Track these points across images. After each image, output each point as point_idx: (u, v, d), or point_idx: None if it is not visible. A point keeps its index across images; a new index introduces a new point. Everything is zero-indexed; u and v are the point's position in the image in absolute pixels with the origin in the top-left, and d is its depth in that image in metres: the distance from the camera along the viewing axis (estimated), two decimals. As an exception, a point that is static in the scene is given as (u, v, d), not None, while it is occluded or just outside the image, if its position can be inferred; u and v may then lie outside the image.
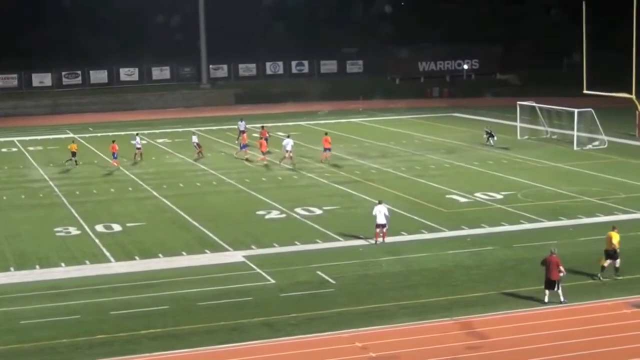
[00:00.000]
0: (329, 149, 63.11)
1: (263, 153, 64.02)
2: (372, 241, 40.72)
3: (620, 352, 27.03)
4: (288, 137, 64.19)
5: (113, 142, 64.44)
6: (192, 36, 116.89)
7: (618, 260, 34.44)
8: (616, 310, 30.88)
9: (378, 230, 40.62)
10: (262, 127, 70.82)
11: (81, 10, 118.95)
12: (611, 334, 28.55)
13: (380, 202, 41.47)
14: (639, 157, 62.82)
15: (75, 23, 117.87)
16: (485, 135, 69.61)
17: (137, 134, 69.15)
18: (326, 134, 64.69)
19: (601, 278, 34.30)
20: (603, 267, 34.47)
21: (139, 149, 66.34)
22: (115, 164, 62.74)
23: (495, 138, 68.54)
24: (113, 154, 62.96)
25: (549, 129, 72.97)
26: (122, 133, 79.29)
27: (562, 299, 31.64)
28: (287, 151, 62.41)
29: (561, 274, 31.71)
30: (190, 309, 32.18)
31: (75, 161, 64.49)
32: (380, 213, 40.44)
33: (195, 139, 68.99)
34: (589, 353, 27.03)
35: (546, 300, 31.73)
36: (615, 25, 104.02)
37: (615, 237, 34.53)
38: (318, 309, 31.73)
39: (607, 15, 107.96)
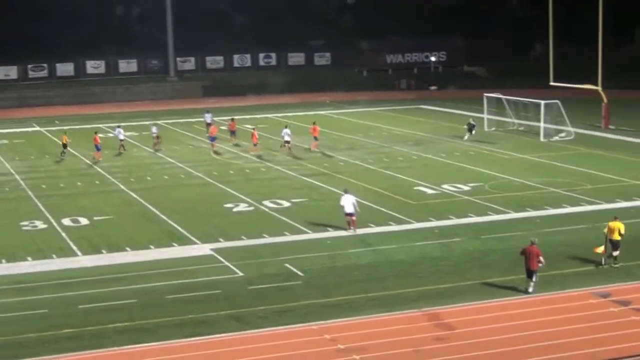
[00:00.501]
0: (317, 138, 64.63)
1: (255, 144, 63.59)
2: (345, 231, 40.95)
3: (586, 342, 27.22)
4: (286, 127, 64.64)
5: (95, 133, 65.08)
6: (159, 29, 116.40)
7: (619, 250, 34.76)
8: (582, 300, 31.08)
9: (347, 219, 40.95)
10: (232, 119, 70.83)
11: (47, 2, 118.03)
12: (577, 324, 28.75)
13: (346, 192, 41.88)
14: (605, 148, 63.26)
15: (40, 15, 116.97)
16: (465, 126, 69.16)
17: (118, 126, 69.30)
18: (314, 123, 65.50)
19: (605, 264, 34.88)
20: (610, 255, 34.95)
21: (122, 140, 66.53)
22: (98, 156, 62.74)
23: (473, 133, 68.35)
24: (96, 145, 63.08)
25: (516, 121, 73.29)
26: (89, 126, 78.86)
27: (530, 289, 31.86)
28: (286, 142, 63.23)
29: (540, 264, 31.99)
30: (158, 302, 32.08)
31: (63, 152, 64.20)
32: (348, 202, 40.90)
33: (155, 129, 68.59)
34: (556, 343, 27.21)
35: (530, 290, 32.02)
36: (581, 17, 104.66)
37: (621, 227, 34.78)
38: (286, 301, 31.73)
39: (573, 7, 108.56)
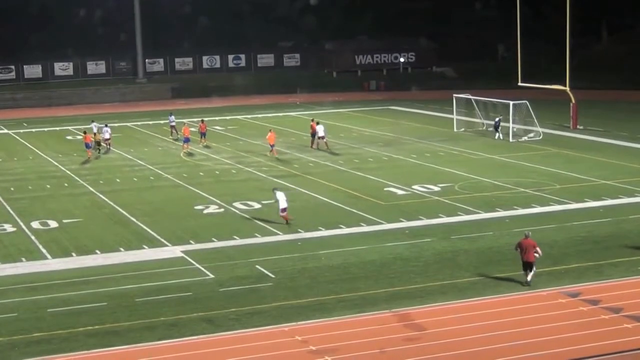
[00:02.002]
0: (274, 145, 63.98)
1: (272, 146, 62.60)
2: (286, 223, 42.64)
3: (556, 342, 27.36)
4: (318, 124, 65.97)
5: (85, 133, 66.49)
6: (127, 30, 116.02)
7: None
8: (551, 300, 31.25)
9: (284, 214, 42.58)
10: (202, 120, 70.71)
11: (13, 4, 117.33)
12: (547, 323, 28.89)
13: (276, 189, 44.15)
14: (573, 148, 63.63)
15: (7, 17, 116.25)
16: (493, 126, 69.22)
17: (106, 125, 69.85)
18: (270, 130, 64.68)
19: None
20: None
21: (107, 139, 67.68)
22: (89, 154, 64.18)
23: (499, 131, 68.25)
24: (86, 144, 64.21)
25: (485, 121, 73.60)
26: (58, 128, 78.42)
27: (529, 279, 32.37)
28: (320, 137, 64.78)
29: (537, 255, 32.38)
30: (129, 305, 31.95)
31: (99, 149, 65.11)
32: (282, 198, 42.68)
33: (94, 130, 68.81)
34: (526, 343, 27.33)
35: (529, 281, 32.48)
36: (548, 18, 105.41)
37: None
38: (258, 303, 31.70)
39: (540, 7, 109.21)
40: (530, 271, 32.56)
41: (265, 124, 79.71)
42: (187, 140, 65.75)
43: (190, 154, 64.48)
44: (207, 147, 66.21)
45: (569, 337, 27.73)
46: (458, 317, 29.83)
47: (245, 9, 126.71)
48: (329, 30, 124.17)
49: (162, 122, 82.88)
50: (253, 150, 65.50)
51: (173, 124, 72.56)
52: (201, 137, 68.54)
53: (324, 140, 65.27)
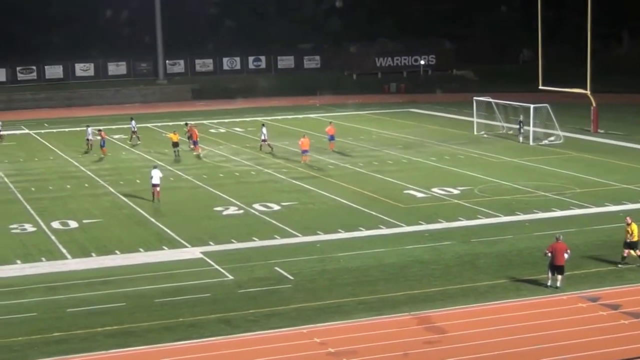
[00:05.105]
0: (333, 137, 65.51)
1: (304, 151, 60.98)
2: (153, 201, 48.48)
3: (575, 346, 27.25)
4: (263, 126, 66.77)
5: (100, 130, 67.60)
6: (148, 31, 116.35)
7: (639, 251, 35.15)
8: (571, 304, 31.11)
9: (153, 189, 48.91)
10: (186, 124, 70.82)
11: (36, 5, 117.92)
12: (566, 327, 28.77)
13: (155, 167, 50.17)
14: (594, 152, 63.36)
15: (29, 18, 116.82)
16: (517, 126, 69.20)
17: (131, 119, 72.59)
18: (304, 135, 62.83)
19: (619, 265, 35.29)
20: (624, 257, 35.24)
21: (134, 132, 70.78)
22: (104, 152, 65.17)
23: (522, 131, 68.23)
24: (101, 142, 65.23)
25: (505, 125, 73.37)
26: (78, 129, 78.60)
27: (559, 284, 32.38)
28: (263, 140, 65.59)
29: (566, 256, 32.42)
30: (148, 305, 31.99)
31: (178, 151, 64.49)
32: (156, 175, 49.00)
33: (89, 134, 68.87)
34: (545, 347, 27.21)
35: (549, 283, 32.56)
36: (570, 21, 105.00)
37: (635, 228, 34.96)
38: (276, 305, 31.68)
39: (562, 11, 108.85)
40: (560, 274, 32.50)
41: (285, 126, 79.91)
42: (195, 142, 65.56)
43: (198, 157, 64.27)
44: (197, 157, 64.95)
45: (589, 341, 27.60)
46: (478, 320, 29.74)
47: (271, 11, 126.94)
48: (349, 32, 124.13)
49: (181, 123, 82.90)
50: (272, 152, 65.45)
51: (135, 129, 72.46)
52: (193, 145, 66.56)
53: (267, 142, 65.71)
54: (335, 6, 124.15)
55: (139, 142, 70.92)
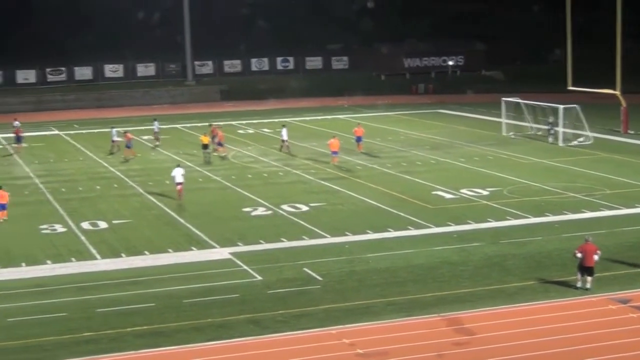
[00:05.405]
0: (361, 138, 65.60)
1: (334, 153, 60.57)
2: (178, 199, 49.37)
3: (605, 348, 27.11)
4: (283, 127, 66.75)
5: (126, 132, 67.96)
6: (177, 33, 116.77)
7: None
8: (601, 306, 30.96)
9: (178, 187, 49.60)
10: (210, 124, 70.98)
11: (65, 7, 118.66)
12: (596, 329, 28.63)
13: (178, 166, 50.93)
14: (624, 153, 63.02)
15: (59, 19, 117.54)
16: (547, 127, 68.90)
17: (155, 119, 73.11)
18: (334, 137, 62.36)
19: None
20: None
21: (156, 133, 71.55)
22: (131, 153, 65.41)
23: (552, 132, 67.96)
24: (127, 143, 65.43)
25: (534, 125, 73.09)
26: (108, 130, 78.82)
27: (588, 286, 32.26)
28: (283, 140, 65.71)
29: (596, 257, 32.34)
30: (177, 306, 32.11)
31: (208, 153, 63.74)
32: (178, 174, 49.61)
33: (115, 135, 69.15)
34: (575, 349, 27.11)
35: (579, 285, 32.46)
36: (600, 21, 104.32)
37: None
38: (305, 305, 31.72)
39: (592, 11, 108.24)
40: (589, 276, 32.37)
41: (314, 127, 79.94)
42: (220, 144, 65.61)
43: (224, 158, 64.18)
44: (222, 158, 64.48)
45: (618, 343, 27.44)
46: (507, 322, 29.66)
47: (303, 12, 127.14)
48: (378, 33, 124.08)
49: (220, 123, 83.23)
50: (301, 152, 65.57)
51: (157, 130, 72.57)
52: (217, 146, 65.93)
53: (287, 143, 66.00)
54: (366, 7, 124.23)
55: (157, 143, 71.07)
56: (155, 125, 72.70)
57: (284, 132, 66.40)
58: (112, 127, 70.54)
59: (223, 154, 64.92)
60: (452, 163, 60.50)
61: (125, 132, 68.36)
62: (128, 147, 65.58)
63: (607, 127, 73.63)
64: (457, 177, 55.40)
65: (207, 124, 74.92)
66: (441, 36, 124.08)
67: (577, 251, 32.69)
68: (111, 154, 67.11)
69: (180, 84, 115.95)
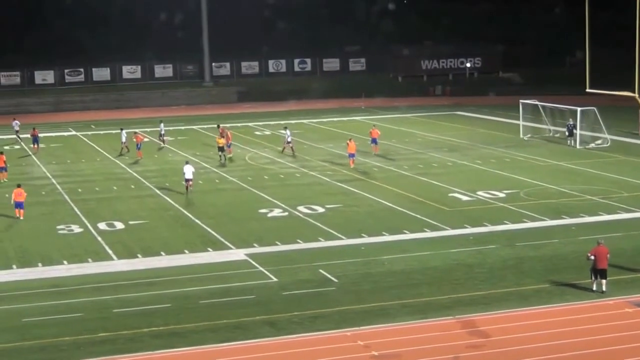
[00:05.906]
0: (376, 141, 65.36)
1: (351, 155, 60.30)
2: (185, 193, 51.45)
3: (621, 351, 27.01)
4: (285, 128, 66.43)
5: (135, 133, 68.73)
6: (194, 34, 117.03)
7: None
8: (618, 309, 30.85)
9: (186, 183, 51.91)
10: (218, 125, 71.17)
11: (83, 8, 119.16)
12: (613, 333, 28.53)
13: (187, 162, 53.41)
14: (641, 155, 62.80)
15: (77, 20, 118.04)
16: (566, 131, 68.72)
17: (161, 121, 74.72)
18: (350, 139, 62.09)
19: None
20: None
21: (162, 135, 72.20)
22: (139, 155, 65.60)
23: (574, 135, 67.43)
24: (137, 144, 65.68)
25: (552, 128, 72.88)
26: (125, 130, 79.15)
27: (604, 288, 32.20)
28: (287, 142, 65.69)
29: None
30: (193, 307, 32.19)
31: (224, 155, 63.44)
32: (188, 170, 51.86)
33: (124, 136, 69.18)
34: (591, 352, 27.02)
35: (594, 288, 32.41)
36: (618, 23, 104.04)
37: None
38: (320, 307, 31.73)
39: (610, 13, 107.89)
40: (603, 278, 32.30)
41: (331, 128, 79.94)
42: (228, 145, 65.58)
43: (232, 160, 64.19)
44: (230, 159, 64.42)
45: (635, 347, 27.33)
46: (523, 324, 29.58)
47: (323, 14, 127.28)
48: (396, 35, 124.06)
49: (227, 125, 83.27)
50: (317, 154, 65.60)
51: (163, 132, 72.73)
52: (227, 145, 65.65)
53: (291, 145, 65.99)
54: (387, 8, 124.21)
55: (163, 145, 71.16)
56: (161, 127, 72.97)
57: (288, 133, 66.37)
58: (122, 129, 70.61)
59: (229, 155, 64.91)
60: (468, 165, 60.41)
61: (136, 133, 68.52)
62: (138, 148, 65.71)
63: (625, 129, 73.34)
64: (473, 179, 55.30)
65: (227, 124, 74.88)
66: (459, 38, 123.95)
67: (589, 254, 32.62)
68: (120, 155, 67.24)
69: (197, 85, 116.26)
